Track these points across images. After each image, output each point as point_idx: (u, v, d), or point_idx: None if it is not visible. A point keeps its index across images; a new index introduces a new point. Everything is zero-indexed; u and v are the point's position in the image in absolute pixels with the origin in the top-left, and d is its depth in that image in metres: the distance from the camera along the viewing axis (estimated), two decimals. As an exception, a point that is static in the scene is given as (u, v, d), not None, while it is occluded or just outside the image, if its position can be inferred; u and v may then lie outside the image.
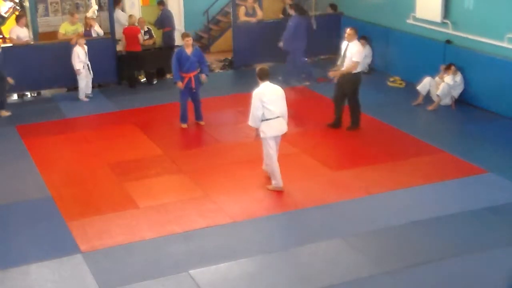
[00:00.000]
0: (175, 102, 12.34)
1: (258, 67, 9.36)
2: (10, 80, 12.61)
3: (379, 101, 12.93)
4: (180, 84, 11.54)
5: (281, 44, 14.48)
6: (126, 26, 14.54)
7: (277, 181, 9.28)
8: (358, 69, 11.46)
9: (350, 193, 9.20)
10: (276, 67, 15.69)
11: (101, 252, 7.80)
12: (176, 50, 11.90)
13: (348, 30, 11.48)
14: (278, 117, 9.08)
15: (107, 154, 10.78)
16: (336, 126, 11.69)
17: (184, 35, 11.72)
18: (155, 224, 8.46)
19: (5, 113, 12.72)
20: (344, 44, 11.53)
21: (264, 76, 9.09)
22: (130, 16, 14.90)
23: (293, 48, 14.34)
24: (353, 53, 11.28)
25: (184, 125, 11.88)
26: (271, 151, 9.16)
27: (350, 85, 11.44)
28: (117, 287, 7.12)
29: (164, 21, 15.36)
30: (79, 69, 13.33)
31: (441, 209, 8.65)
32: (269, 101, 8.97)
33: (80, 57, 13.35)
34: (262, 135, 9.13)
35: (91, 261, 7.60)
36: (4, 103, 12.85)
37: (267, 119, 9.02)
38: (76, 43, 13.35)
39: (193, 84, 11.58)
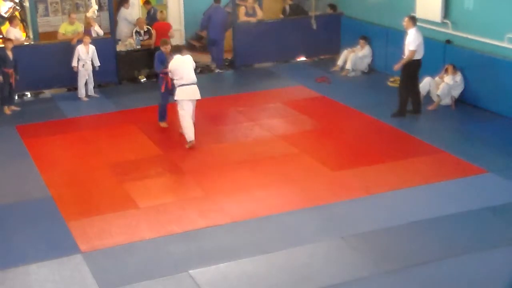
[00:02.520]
0: (174, 103, 12.32)
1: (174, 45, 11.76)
2: None
3: (379, 101, 12.93)
4: (165, 70, 11.29)
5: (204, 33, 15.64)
6: (157, 22, 14.80)
7: (189, 137, 10.72)
8: (417, 56, 11.78)
9: (350, 193, 9.19)
10: (276, 66, 15.75)
11: (101, 252, 7.80)
12: (157, 53, 11.80)
13: (405, 18, 11.92)
14: (192, 83, 10.70)
15: (107, 154, 10.78)
16: (400, 115, 12.01)
17: (162, 42, 11.74)
18: (155, 224, 8.46)
19: (14, 109, 12.96)
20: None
21: (177, 50, 11.04)
22: (161, 12, 15.08)
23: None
24: (409, 41, 11.73)
25: (164, 124, 11.79)
26: (182, 111, 10.73)
27: (407, 73, 11.79)
28: (117, 287, 7.13)
29: (153, 20, 15.35)
30: (74, 66, 13.34)
31: (441, 209, 8.65)
32: (181, 68, 10.64)
33: (80, 56, 13.34)
34: (176, 97, 10.74)
35: (91, 261, 7.59)
36: (6, 99, 12.88)
37: (182, 85, 10.62)
38: (81, 41, 13.37)
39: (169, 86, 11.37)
